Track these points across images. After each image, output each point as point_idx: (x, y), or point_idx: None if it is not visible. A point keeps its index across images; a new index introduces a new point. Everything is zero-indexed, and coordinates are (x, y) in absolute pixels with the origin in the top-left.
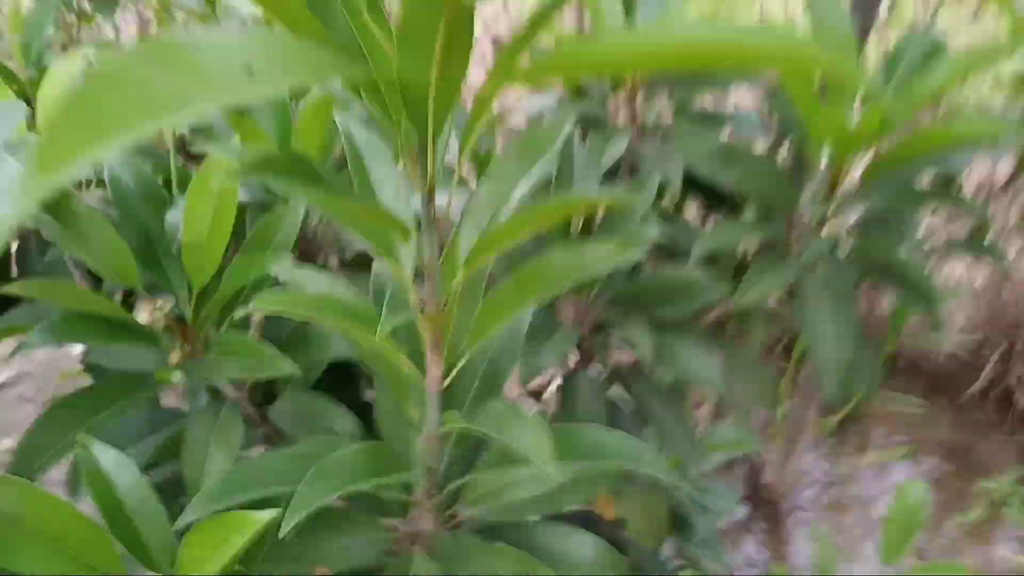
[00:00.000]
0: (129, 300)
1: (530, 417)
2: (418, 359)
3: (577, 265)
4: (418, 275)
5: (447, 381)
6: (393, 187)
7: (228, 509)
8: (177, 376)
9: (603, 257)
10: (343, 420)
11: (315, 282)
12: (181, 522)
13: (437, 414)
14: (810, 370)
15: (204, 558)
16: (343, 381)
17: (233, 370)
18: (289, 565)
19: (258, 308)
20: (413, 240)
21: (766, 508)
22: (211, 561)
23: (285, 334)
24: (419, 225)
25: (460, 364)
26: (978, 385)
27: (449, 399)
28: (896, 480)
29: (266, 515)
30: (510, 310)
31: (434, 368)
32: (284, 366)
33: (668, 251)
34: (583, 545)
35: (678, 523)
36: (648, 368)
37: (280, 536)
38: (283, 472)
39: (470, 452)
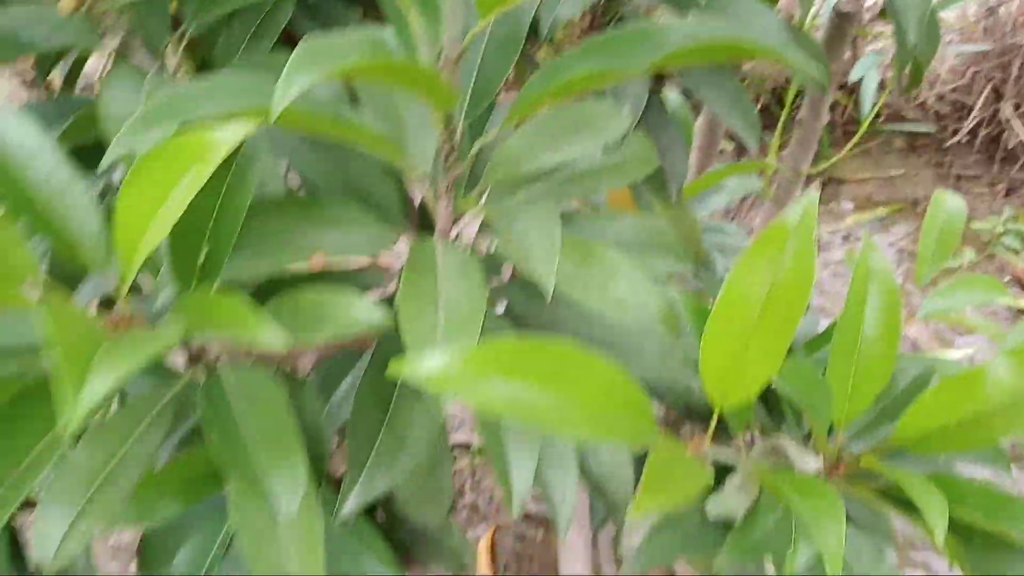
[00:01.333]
0: None
1: None
2: None
3: None
4: None
5: None
6: None
7: None
8: None
9: None
10: None
11: None
12: (105, 163)
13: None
14: (804, 115)
15: (146, 208)
16: None
17: None
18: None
19: None
20: None
21: None
22: (160, 206)
23: None
24: None
25: None
26: (966, 127)
27: None
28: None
29: (234, 133)
30: None
31: None
32: None
33: None
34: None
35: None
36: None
37: (274, 119)
38: (247, 88)
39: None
